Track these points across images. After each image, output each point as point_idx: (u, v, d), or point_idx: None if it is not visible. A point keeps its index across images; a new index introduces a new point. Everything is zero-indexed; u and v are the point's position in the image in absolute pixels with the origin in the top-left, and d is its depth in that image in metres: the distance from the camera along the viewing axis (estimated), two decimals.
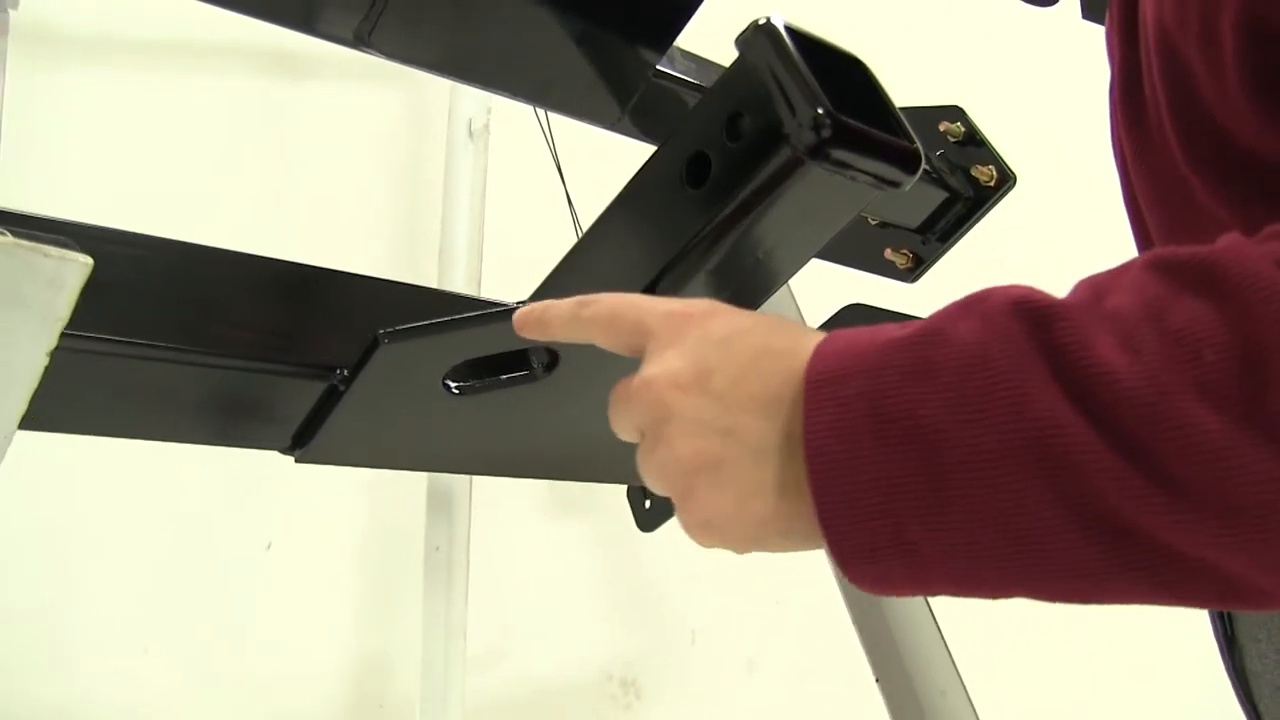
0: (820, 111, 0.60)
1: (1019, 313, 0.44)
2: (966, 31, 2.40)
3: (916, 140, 0.65)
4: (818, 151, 0.61)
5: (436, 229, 1.57)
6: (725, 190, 0.64)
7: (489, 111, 1.56)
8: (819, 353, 0.47)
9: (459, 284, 1.53)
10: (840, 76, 0.63)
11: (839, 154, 0.61)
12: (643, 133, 1.01)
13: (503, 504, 1.72)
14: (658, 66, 0.96)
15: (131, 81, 1.62)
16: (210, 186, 1.61)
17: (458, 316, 0.64)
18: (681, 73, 0.99)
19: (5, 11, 1.24)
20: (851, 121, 0.61)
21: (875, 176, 0.63)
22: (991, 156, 1.21)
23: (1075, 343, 0.42)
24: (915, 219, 1.23)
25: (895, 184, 0.64)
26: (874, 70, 0.67)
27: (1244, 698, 0.70)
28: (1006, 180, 1.20)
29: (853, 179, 0.62)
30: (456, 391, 0.68)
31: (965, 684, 1.12)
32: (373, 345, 0.63)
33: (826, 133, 0.60)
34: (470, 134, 1.54)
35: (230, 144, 1.66)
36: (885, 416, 0.45)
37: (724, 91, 0.65)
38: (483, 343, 0.66)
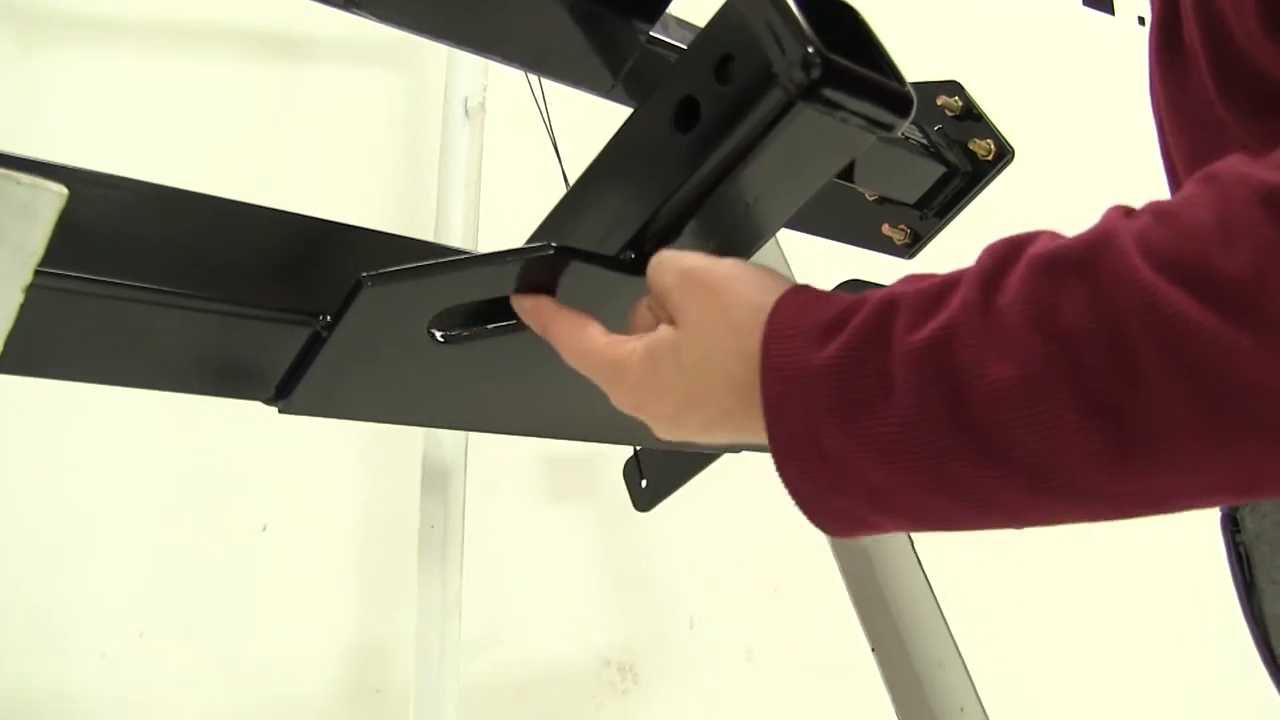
0: (810, 50, 0.59)
1: (926, 356, 0.50)
2: (965, 6, 2.40)
3: (908, 84, 0.64)
4: (809, 91, 0.59)
5: (433, 207, 1.57)
6: (715, 134, 0.63)
7: (485, 90, 1.55)
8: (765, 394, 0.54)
9: None
10: (831, 20, 0.62)
11: (830, 94, 0.60)
12: (636, 100, 1.00)
13: (499, 486, 1.71)
14: (650, 33, 0.95)
15: (127, 63, 1.61)
16: (208, 167, 1.60)
17: (443, 260, 0.62)
18: (674, 39, 0.97)
19: None
20: (842, 61, 0.60)
21: (866, 118, 0.62)
22: (989, 131, 1.20)
23: (971, 362, 0.48)
24: (913, 194, 1.22)
25: (887, 126, 0.63)
26: (866, 17, 0.66)
27: (1261, 642, 0.70)
28: (1004, 154, 1.19)
29: (844, 120, 0.61)
30: (441, 340, 0.66)
31: (962, 654, 1.11)
32: (355, 289, 0.62)
33: (817, 72, 0.59)
34: (466, 112, 1.53)
35: (228, 124, 1.66)
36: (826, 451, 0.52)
37: (713, 34, 0.64)
38: (469, 288, 0.64)
